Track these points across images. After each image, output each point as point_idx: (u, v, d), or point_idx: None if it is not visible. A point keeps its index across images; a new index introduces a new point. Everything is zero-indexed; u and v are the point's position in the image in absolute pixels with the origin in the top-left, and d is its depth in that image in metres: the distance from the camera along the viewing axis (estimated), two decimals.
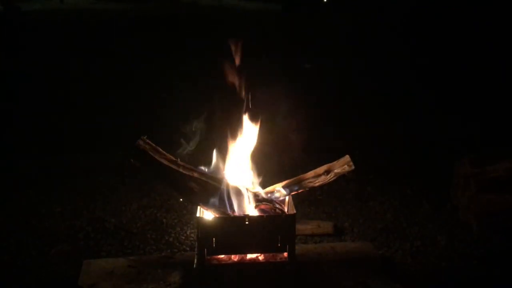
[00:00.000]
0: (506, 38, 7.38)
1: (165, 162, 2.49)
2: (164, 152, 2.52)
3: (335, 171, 2.57)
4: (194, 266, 2.51)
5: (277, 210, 2.54)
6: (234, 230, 2.43)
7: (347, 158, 2.59)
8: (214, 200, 2.47)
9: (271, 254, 2.52)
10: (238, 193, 2.50)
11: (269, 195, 2.57)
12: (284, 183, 2.60)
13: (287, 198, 2.62)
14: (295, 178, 2.61)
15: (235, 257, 2.52)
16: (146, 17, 13.42)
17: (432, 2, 9.92)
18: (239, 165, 2.64)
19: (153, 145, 2.51)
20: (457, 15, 8.90)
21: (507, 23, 7.75)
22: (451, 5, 9.26)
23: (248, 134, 2.62)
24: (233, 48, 2.53)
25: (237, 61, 2.54)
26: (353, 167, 2.56)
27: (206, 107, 2.70)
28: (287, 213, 2.56)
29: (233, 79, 2.55)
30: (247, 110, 2.59)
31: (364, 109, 5.89)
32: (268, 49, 6.45)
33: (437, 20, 9.11)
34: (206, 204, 2.49)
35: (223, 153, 2.64)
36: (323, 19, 11.28)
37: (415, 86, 6.53)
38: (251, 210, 2.52)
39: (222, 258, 2.51)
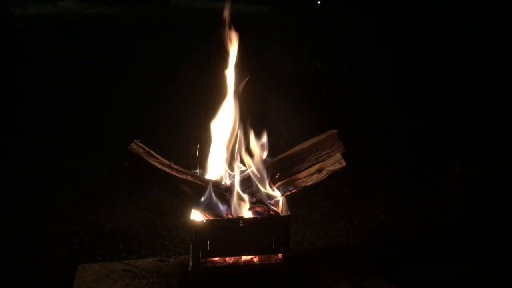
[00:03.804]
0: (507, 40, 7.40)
1: (159, 166, 2.48)
2: (157, 155, 2.52)
3: (327, 168, 2.57)
4: (189, 269, 2.50)
5: (271, 212, 2.54)
6: (229, 232, 2.43)
7: (338, 156, 2.60)
8: (208, 202, 2.47)
9: (265, 256, 2.52)
10: (232, 195, 2.50)
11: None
12: (277, 184, 2.60)
13: (281, 199, 2.62)
14: (288, 179, 2.61)
15: (229, 259, 2.52)
16: (141, 21, 13.42)
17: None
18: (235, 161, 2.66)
19: (147, 148, 2.51)
20: (459, 12, 8.91)
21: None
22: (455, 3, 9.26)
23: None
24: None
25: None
26: (344, 164, 2.57)
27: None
28: (281, 214, 2.56)
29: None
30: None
31: (359, 110, 5.91)
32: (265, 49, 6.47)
33: (439, 19, 9.13)
34: (200, 206, 2.49)
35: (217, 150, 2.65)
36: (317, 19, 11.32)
37: (412, 86, 6.56)
38: (245, 212, 2.52)
39: (217, 260, 2.51)
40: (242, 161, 2.66)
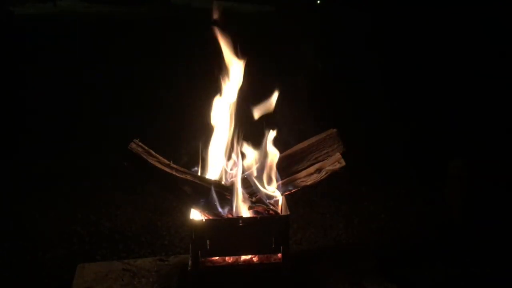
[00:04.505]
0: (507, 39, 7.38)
1: (159, 165, 2.48)
2: (157, 155, 2.52)
3: (327, 168, 2.57)
4: (189, 268, 2.50)
5: (271, 211, 2.54)
6: (228, 231, 2.43)
7: (338, 155, 2.60)
8: (207, 202, 2.47)
9: (265, 256, 2.52)
10: (232, 194, 2.50)
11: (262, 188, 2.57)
12: (277, 184, 2.60)
13: (281, 199, 2.62)
14: (287, 178, 2.61)
15: (229, 259, 2.52)
16: (141, 20, 13.41)
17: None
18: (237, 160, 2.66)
19: (146, 148, 2.51)
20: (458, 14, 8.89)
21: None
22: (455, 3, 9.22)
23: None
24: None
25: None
26: (344, 164, 2.56)
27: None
28: (281, 214, 2.55)
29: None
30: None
31: (359, 109, 5.90)
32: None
33: (438, 19, 9.11)
34: (199, 206, 2.49)
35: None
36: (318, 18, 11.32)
37: (412, 86, 6.55)
38: (245, 211, 2.52)
39: (216, 260, 2.51)
40: (242, 161, 2.66)
